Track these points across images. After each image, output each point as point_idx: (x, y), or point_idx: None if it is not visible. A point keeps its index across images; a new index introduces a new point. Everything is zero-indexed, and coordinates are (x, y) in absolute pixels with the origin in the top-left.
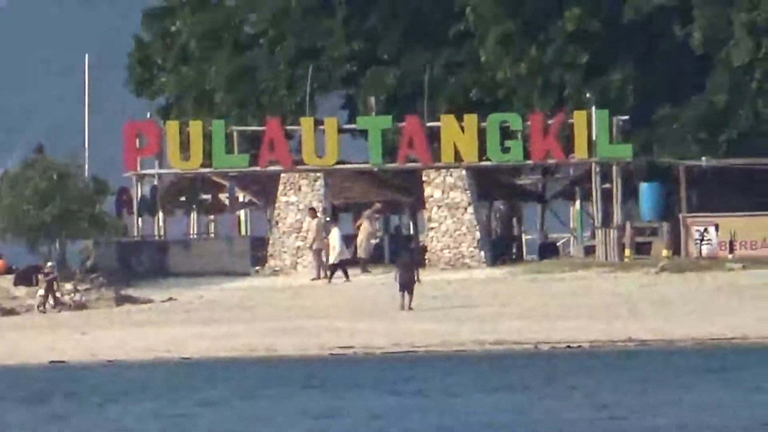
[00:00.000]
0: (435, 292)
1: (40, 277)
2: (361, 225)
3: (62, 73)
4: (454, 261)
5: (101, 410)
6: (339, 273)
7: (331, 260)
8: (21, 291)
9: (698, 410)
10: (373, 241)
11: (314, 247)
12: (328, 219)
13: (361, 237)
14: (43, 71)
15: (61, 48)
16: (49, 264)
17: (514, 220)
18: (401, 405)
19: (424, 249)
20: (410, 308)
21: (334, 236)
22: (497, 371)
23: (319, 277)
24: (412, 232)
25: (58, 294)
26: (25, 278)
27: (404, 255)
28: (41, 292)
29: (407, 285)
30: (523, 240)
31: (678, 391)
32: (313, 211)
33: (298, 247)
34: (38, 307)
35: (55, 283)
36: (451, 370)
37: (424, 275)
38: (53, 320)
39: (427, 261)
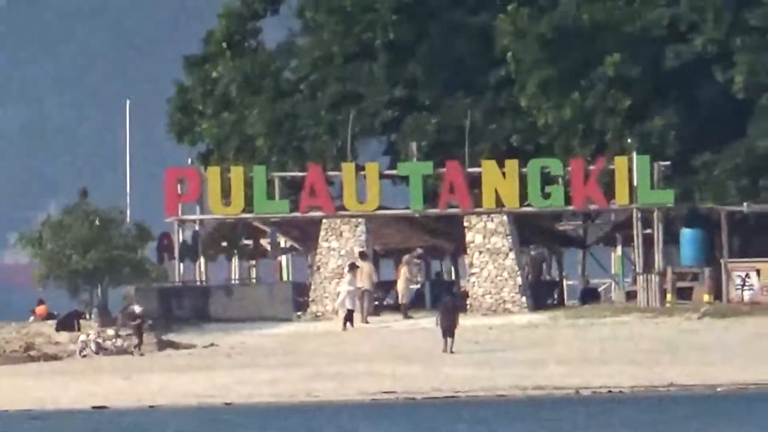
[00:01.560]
0: (476, 337)
1: (126, 319)
2: (401, 271)
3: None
4: (495, 306)
5: None
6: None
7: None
8: (63, 337)
9: None
10: (413, 287)
11: (364, 287)
12: (352, 268)
13: (400, 283)
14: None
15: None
16: (137, 308)
17: (544, 265)
18: None
19: (466, 294)
20: (451, 351)
21: (346, 281)
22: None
23: (366, 321)
24: (453, 277)
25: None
26: (67, 324)
27: (446, 299)
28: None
29: (449, 329)
30: (565, 285)
31: None
32: (363, 255)
33: (339, 293)
34: (134, 348)
35: (143, 326)
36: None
37: (466, 320)
38: (96, 366)
39: (468, 306)
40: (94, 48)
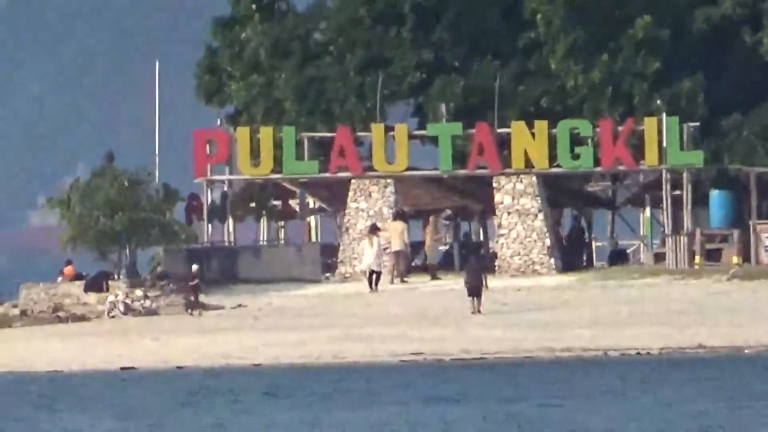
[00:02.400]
0: (505, 298)
1: (189, 282)
2: (426, 232)
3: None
4: (524, 268)
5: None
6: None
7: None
8: (91, 297)
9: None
10: (441, 248)
11: (395, 249)
12: (376, 230)
13: (428, 243)
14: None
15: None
16: (195, 267)
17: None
18: None
19: (494, 255)
20: (479, 311)
21: (372, 246)
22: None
23: (393, 282)
24: (482, 238)
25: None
26: (96, 285)
27: (472, 260)
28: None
29: (476, 289)
30: (593, 247)
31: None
32: (398, 214)
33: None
34: (188, 310)
35: (198, 286)
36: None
37: (494, 282)
38: (124, 327)
39: (497, 267)
40: (93, 47)
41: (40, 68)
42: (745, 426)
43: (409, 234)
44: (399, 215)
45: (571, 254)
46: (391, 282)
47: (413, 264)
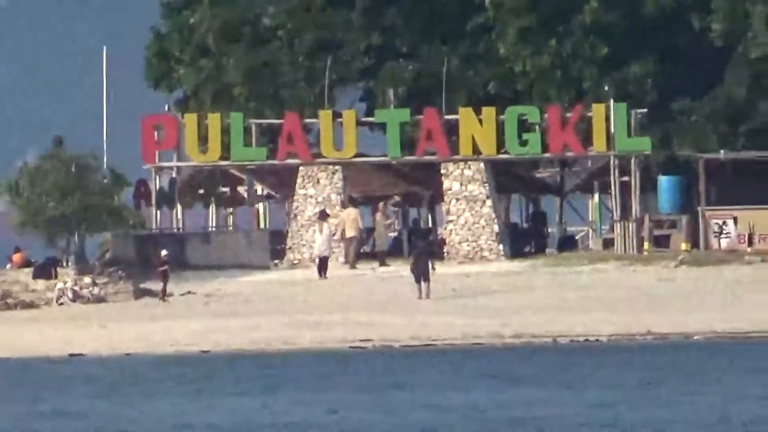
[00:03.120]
0: (453, 284)
1: (159, 268)
2: (375, 218)
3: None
4: (472, 254)
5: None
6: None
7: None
8: (40, 284)
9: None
10: (391, 234)
11: (350, 235)
12: (324, 216)
13: (377, 230)
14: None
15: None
16: (164, 253)
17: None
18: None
19: (443, 242)
20: (428, 297)
21: (322, 233)
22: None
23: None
24: (430, 225)
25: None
26: (44, 272)
27: (419, 246)
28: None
29: (423, 274)
30: (545, 233)
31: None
32: (351, 200)
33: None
34: (160, 297)
35: (167, 272)
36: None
37: (443, 268)
38: (72, 314)
39: (445, 254)
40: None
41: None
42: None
43: (362, 220)
44: (351, 201)
45: (535, 238)
46: (351, 267)
47: (362, 250)
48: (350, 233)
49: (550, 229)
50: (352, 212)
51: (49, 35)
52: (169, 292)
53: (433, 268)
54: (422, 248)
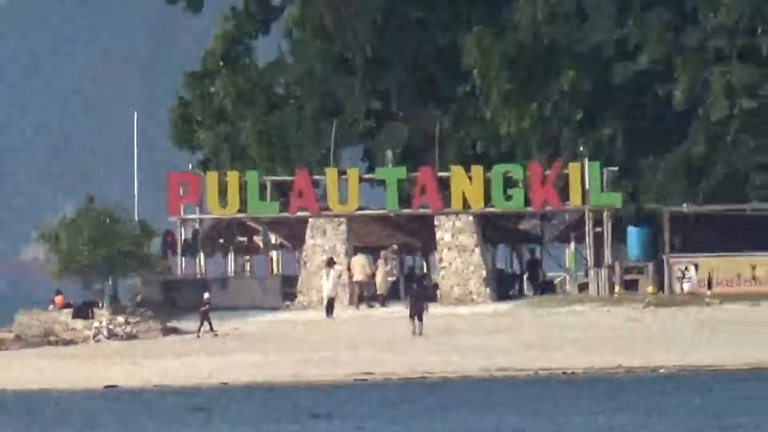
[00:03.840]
0: (446, 324)
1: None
2: (378, 264)
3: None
4: (462, 297)
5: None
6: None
7: (326, 297)
8: (78, 324)
9: None
10: (390, 279)
11: (357, 279)
12: (331, 263)
13: (379, 275)
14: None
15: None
16: (206, 295)
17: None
18: None
19: (436, 286)
20: (420, 333)
21: (329, 278)
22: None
23: (358, 308)
24: (425, 271)
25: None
26: (82, 312)
27: (413, 288)
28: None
29: (417, 313)
30: (524, 278)
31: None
32: (355, 249)
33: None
34: (197, 333)
35: (209, 312)
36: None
37: (436, 309)
38: (107, 350)
39: (439, 297)
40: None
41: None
42: None
43: (370, 267)
44: (355, 250)
45: (531, 282)
46: (357, 307)
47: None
48: (358, 277)
49: (527, 275)
50: (360, 259)
51: (81, 100)
52: (206, 330)
53: (427, 309)
54: (417, 292)
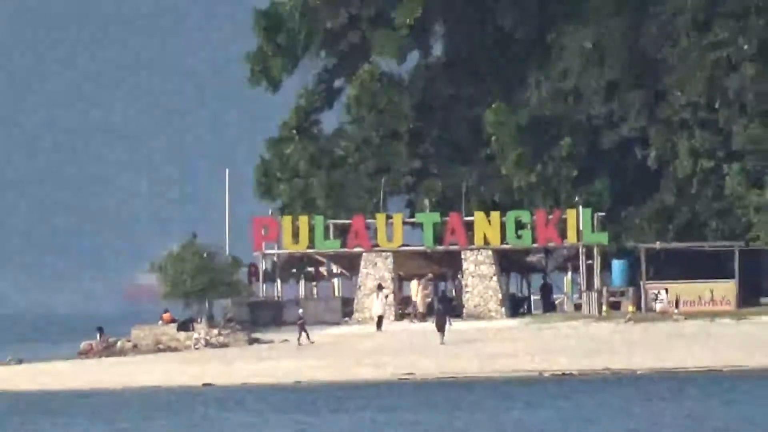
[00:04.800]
0: (470, 335)
1: (298, 321)
2: (419, 289)
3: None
4: (483, 314)
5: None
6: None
7: (376, 314)
8: (181, 335)
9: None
10: (428, 300)
11: (419, 301)
12: (380, 288)
13: (419, 298)
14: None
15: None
16: (300, 311)
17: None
18: None
19: (462, 306)
20: (442, 343)
21: (379, 299)
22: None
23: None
24: (453, 294)
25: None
26: (184, 326)
27: (440, 307)
28: (219, 332)
29: (441, 327)
30: (532, 300)
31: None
32: (400, 277)
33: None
34: (298, 340)
35: (304, 324)
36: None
37: (461, 324)
38: (204, 356)
39: (464, 314)
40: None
41: (135, 182)
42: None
43: (401, 292)
44: (400, 279)
45: (543, 302)
46: (412, 321)
47: (407, 311)
48: (415, 298)
49: (535, 297)
50: (415, 284)
51: (181, 153)
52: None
53: (450, 324)
54: (442, 310)
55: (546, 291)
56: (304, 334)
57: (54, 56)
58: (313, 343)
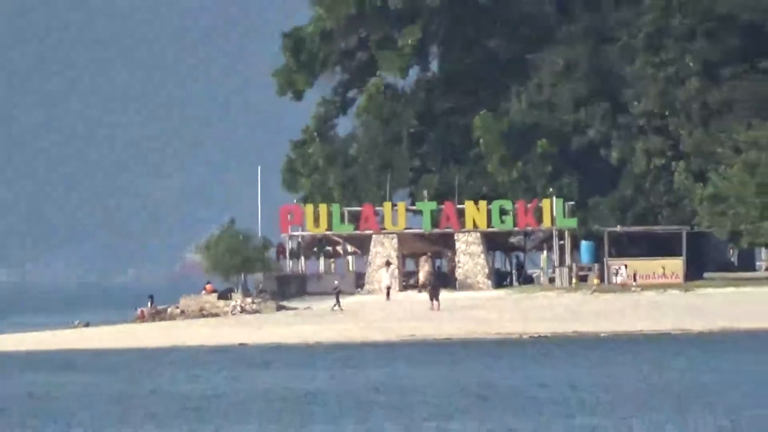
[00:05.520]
0: (462, 303)
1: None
2: (422, 265)
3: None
4: (472, 285)
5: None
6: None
7: (384, 285)
8: (221, 303)
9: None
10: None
11: (422, 278)
12: (388, 264)
13: (422, 273)
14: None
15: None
16: (336, 282)
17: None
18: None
19: (455, 279)
20: (438, 309)
21: (387, 273)
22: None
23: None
24: (448, 270)
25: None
26: (224, 296)
27: (433, 280)
28: (253, 300)
29: (435, 295)
30: (513, 274)
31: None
32: (403, 256)
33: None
34: (333, 308)
35: (340, 293)
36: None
37: (455, 294)
38: (240, 320)
39: (457, 286)
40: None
41: (175, 175)
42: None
43: (430, 267)
44: (404, 256)
45: (519, 276)
46: (419, 291)
47: (410, 283)
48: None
49: (515, 272)
50: (426, 266)
51: (220, 154)
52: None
53: (439, 293)
54: (436, 282)
55: (519, 267)
56: (340, 300)
57: (112, 53)
58: (342, 311)
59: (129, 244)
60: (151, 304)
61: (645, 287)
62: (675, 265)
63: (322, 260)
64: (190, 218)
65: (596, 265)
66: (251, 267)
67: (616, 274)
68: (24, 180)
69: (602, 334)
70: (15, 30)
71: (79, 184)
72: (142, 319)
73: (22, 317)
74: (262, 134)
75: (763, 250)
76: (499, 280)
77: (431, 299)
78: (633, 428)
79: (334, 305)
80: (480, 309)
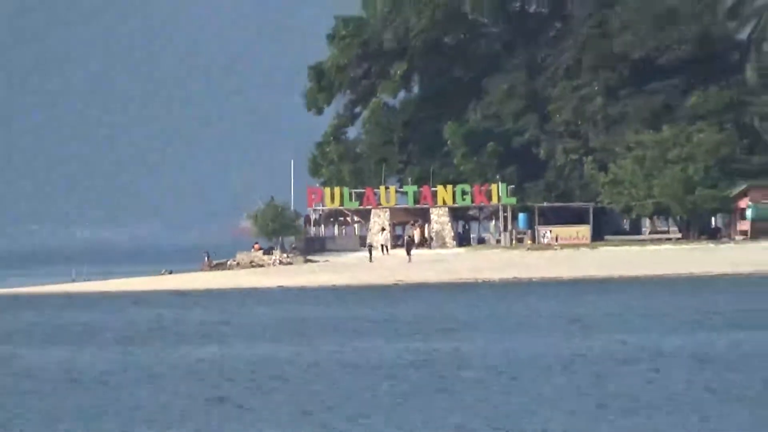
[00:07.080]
0: (434, 258)
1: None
2: (413, 231)
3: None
4: (442, 245)
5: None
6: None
7: (379, 244)
8: (265, 258)
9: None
10: (418, 239)
11: (417, 238)
12: (383, 229)
13: (416, 234)
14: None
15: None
16: (369, 240)
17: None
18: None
19: (431, 239)
20: (410, 261)
21: (382, 235)
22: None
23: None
24: (426, 234)
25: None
26: (267, 252)
27: (408, 240)
28: (288, 256)
29: (408, 252)
30: (471, 237)
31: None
32: (415, 222)
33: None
34: (383, 250)
35: (372, 247)
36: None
37: (428, 251)
38: (279, 270)
39: (431, 245)
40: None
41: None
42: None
43: (422, 233)
44: (394, 225)
45: (465, 238)
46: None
47: (398, 244)
48: (411, 236)
49: (472, 235)
50: (417, 231)
51: (265, 154)
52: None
53: (411, 249)
54: (409, 242)
55: (467, 233)
56: (372, 253)
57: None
58: (372, 262)
59: (195, 212)
60: (207, 258)
61: (563, 246)
62: (584, 230)
63: (336, 227)
64: (244, 197)
65: (529, 231)
66: (286, 231)
67: (544, 236)
68: (24, 180)
69: (534, 279)
70: (15, 30)
71: (79, 184)
72: (203, 269)
73: (98, 267)
74: (292, 140)
75: (647, 220)
76: (461, 241)
77: (407, 254)
78: (539, 343)
79: (372, 257)
80: (447, 262)
